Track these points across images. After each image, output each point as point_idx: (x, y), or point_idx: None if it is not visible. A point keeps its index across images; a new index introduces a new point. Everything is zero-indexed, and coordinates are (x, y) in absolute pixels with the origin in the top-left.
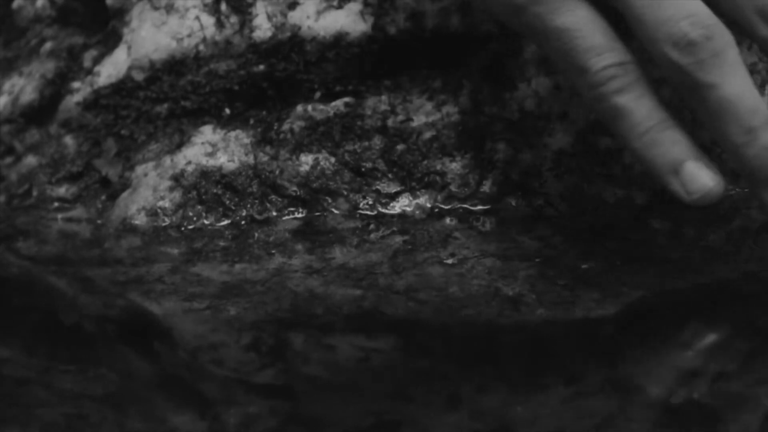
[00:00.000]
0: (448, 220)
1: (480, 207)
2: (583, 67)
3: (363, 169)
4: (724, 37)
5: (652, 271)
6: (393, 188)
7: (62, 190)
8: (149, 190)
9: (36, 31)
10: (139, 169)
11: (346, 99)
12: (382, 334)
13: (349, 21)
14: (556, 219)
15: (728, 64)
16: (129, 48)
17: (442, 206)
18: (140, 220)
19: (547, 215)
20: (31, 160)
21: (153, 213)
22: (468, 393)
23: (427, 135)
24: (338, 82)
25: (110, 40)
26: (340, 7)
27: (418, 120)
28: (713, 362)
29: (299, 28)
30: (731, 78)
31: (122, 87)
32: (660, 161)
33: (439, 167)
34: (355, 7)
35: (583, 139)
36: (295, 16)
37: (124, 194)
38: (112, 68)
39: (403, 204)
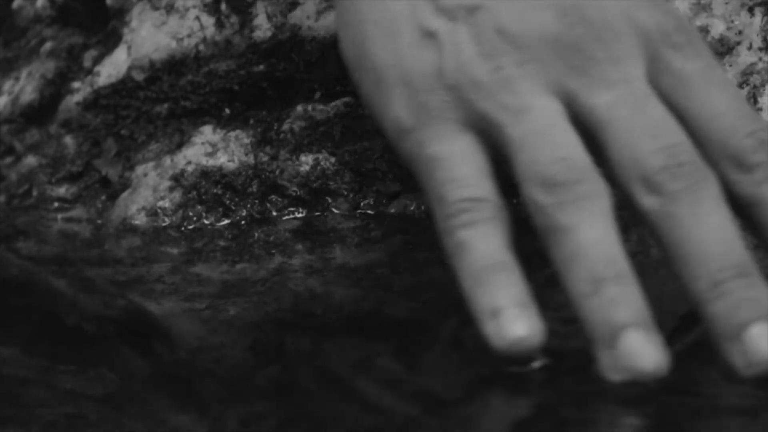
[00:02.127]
0: None
1: None
2: (441, 197)
3: (363, 170)
4: (594, 185)
5: (652, 271)
6: (393, 188)
7: (62, 190)
8: (149, 190)
9: (36, 31)
10: (139, 169)
11: (346, 99)
12: (383, 335)
13: None
14: None
15: (590, 211)
16: (129, 48)
17: None
18: (140, 220)
19: None
20: (31, 160)
21: (153, 213)
22: (466, 393)
23: None
24: (338, 82)
25: (110, 40)
26: None
27: None
28: (712, 363)
29: (299, 28)
30: (590, 224)
31: (122, 87)
32: (482, 301)
33: None
34: None
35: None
36: (295, 16)
37: (124, 194)
38: (112, 68)
39: (403, 204)
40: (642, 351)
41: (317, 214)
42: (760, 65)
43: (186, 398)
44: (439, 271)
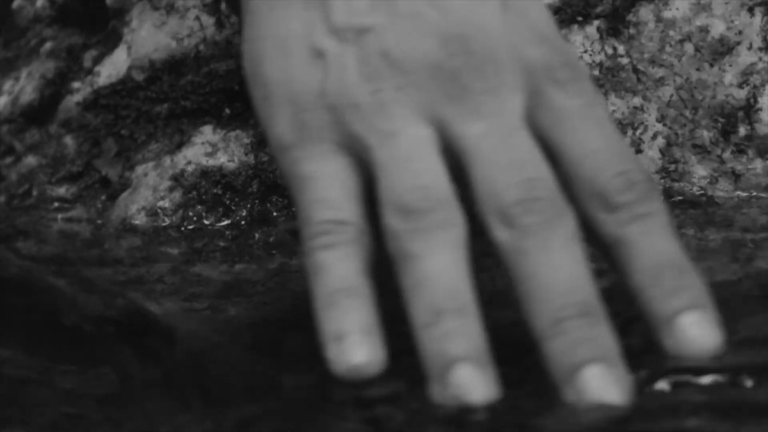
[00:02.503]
0: None
1: None
2: (306, 217)
3: None
4: (449, 215)
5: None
6: None
7: (62, 190)
8: (149, 190)
9: (36, 31)
10: (139, 169)
11: None
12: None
13: None
14: None
15: (441, 241)
16: (129, 48)
17: None
18: (140, 220)
19: None
20: (31, 160)
21: (153, 213)
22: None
23: None
24: None
25: (110, 40)
26: None
27: None
28: (712, 363)
29: None
30: (439, 254)
31: (122, 87)
32: (328, 324)
33: None
34: None
35: None
36: None
37: (124, 194)
38: (112, 68)
39: None
40: (470, 385)
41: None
42: (760, 65)
43: (186, 398)
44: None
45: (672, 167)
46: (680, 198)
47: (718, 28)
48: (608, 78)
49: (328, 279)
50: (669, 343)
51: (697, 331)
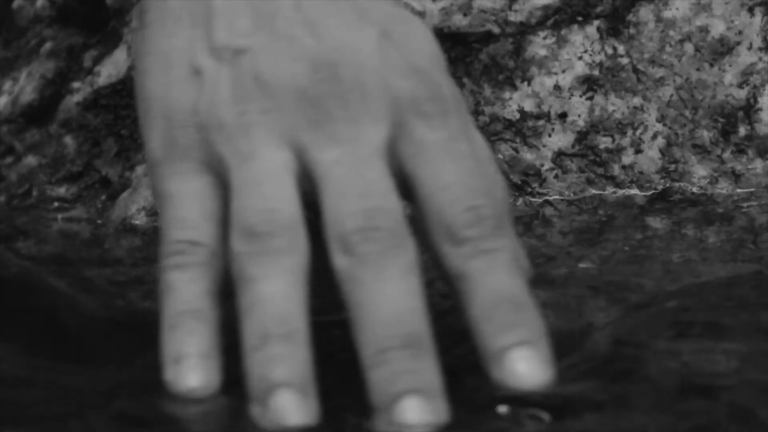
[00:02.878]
0: None
1: None
2: (165, 235)
3: None
4: (292, 241)
5: (651, 271)
6: None
7: (62, 190)
8: (149, 190)
9: (36, 31)
10: (139, 169)
11: None
12: None
13: None
14: (556, 219)
15: (280, 266)
16: (129, 48)
17: None
18: (140, 220)
19: (547, 215)
20: (31, 160)
21: (153, 213)
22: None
23: None
24: None
25: (110, 40)
26: None
27: None
28: (712, 363)
29: None
30: (275, 279)
31: (122, 87)
32: (169, 346)
33: None
34: None
35: (583, 139)
36: None
37: (124, 194)
38: (112, 68)
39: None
40: (289, 410)
41: (317, 213)
42: (760, 65)
43: (185, 398)
44: (438, 273)
45: (672, 167)
46: (680, 198)
47: (718, 28)
48: (608, 78)
49: (174, 300)
50: (497, 376)
51: (524, 365)
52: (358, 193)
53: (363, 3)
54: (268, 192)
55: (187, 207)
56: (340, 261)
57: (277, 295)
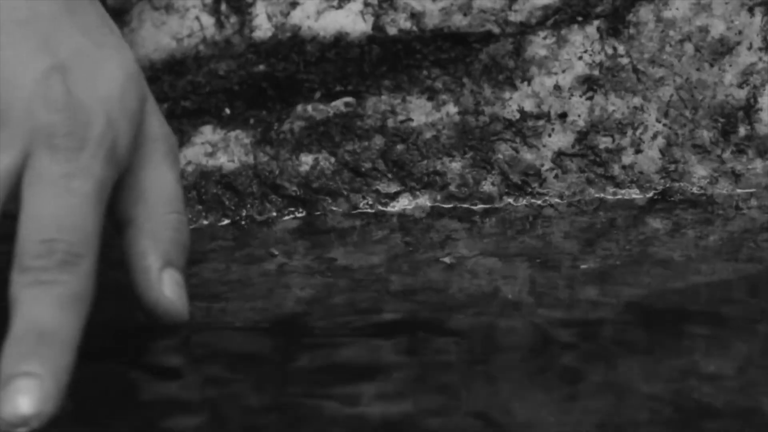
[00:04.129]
0: (448, 220)
1: (480, 207)
2: None
3: (363, 169)
4: None
5: (652, 271)
6: (393, 188)
7: None
8: None
9: None
10: None
11: (346, 99)
12: (382, 335)
13: (349, 21)
14: (556, 219)
15: None
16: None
17: (442, 206)
18: None
19: (547, 215)
20: None
21: None
22: (466, 393)
23: (427, 135)
24: (338, 82)
25: None
26: (340, 7)
27: (418, 120)
28: (712, 363)
29: (299, 28)
30: None
31: None
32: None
33: (439, 167)
34: (355, 7)
35: (583, 139)
36: (295, 16)
37: None
38: None
39: (402, 204)
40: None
41: (317, 213)
42: (760, 65)
43: (185, 398)
44: (438, 272)
45: (672, 167)
46: (680, 198)
47: (718, 28)
48: (608, 78)
49: None
50: None
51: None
52: None
53: (56, 34)
54: None
55: None
56: None
57: None
